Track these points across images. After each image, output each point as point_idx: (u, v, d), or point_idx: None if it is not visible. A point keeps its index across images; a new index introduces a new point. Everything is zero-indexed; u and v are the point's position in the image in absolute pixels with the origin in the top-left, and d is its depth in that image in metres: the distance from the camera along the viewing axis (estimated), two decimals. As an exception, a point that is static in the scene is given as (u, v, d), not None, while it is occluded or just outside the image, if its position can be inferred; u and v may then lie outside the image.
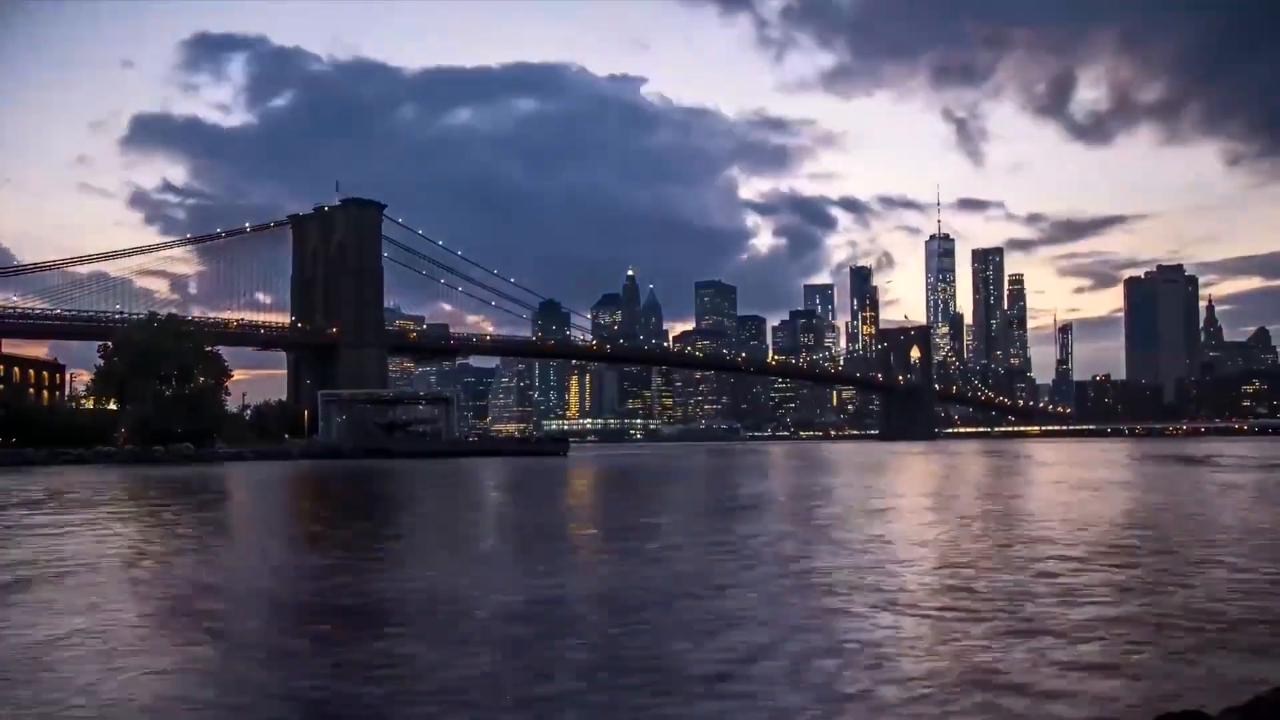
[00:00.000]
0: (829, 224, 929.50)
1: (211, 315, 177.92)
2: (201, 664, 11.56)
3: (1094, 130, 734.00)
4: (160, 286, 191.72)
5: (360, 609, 15.08)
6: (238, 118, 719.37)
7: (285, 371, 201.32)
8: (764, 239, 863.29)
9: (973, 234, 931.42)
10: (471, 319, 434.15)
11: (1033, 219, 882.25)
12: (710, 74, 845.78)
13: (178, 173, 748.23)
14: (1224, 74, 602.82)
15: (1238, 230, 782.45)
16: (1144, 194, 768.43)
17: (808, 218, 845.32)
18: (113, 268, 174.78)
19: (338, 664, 11.44)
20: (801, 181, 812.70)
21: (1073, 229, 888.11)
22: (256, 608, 15.80)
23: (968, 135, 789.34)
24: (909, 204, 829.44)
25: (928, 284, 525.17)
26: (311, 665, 11.47)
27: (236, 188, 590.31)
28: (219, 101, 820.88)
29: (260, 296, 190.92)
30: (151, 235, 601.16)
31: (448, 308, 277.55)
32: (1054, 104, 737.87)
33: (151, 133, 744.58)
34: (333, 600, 15.82)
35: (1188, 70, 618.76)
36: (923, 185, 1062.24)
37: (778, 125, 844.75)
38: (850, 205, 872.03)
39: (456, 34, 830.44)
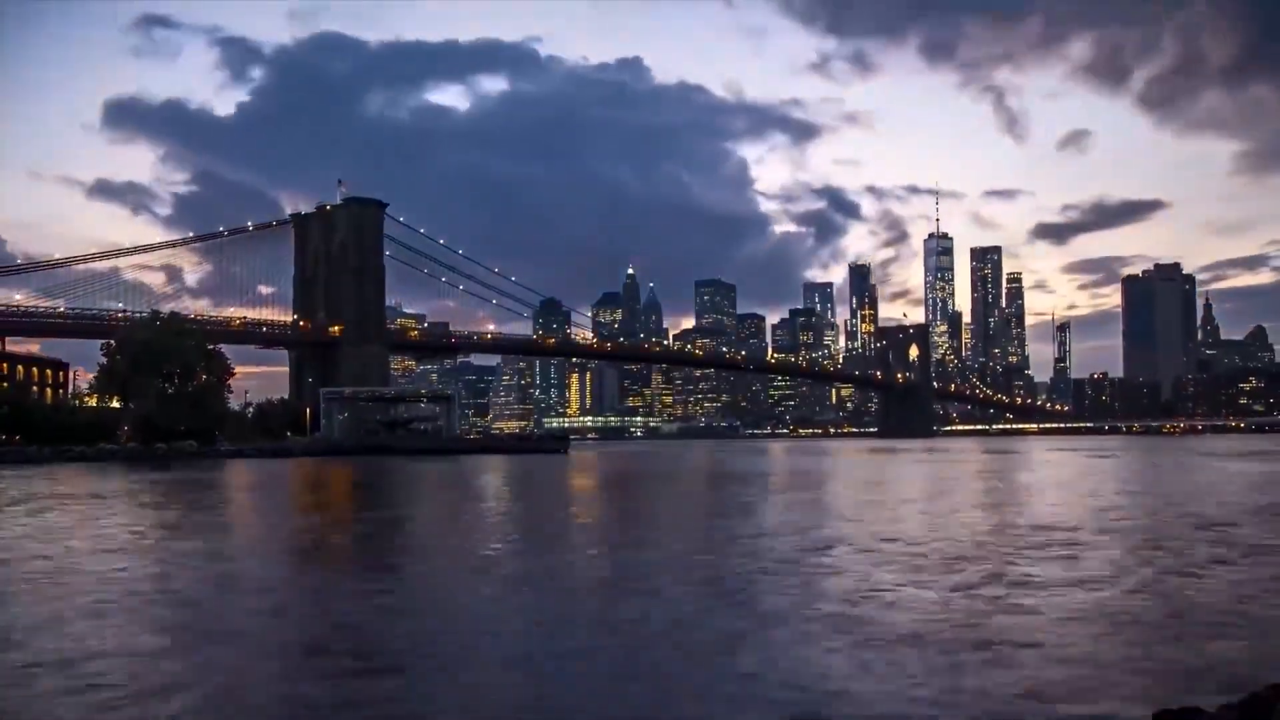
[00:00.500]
0: (848, 211, 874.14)
1: (214, 314, 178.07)
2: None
3: (1153, 104, 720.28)
4: (163, 285, 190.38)
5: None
6: (209, 100, 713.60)
7: (288, 368, 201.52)
8: (781, 226, 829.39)
9: (1001, 220, 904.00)
10: (473, 316, 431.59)
11: (1045, 209, 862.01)
12: (692, 55, 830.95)
13: (153, 159, 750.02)
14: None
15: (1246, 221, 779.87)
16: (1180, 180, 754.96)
17: (830, 205, 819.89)
18: (115, 265, 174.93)
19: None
20: (816, 169, 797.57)
21: (1104, 214, 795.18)
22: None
23: (1006, 115, 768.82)
24: (928, 191, 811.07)
25: (926, 282, 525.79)
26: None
27: (213, 172, 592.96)
28: (190, 85, 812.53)
29: (263, 294, 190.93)
30: (139, 224, 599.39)
31: (450, 304, 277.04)
32: (1108, 75, 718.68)
33: (127, 119, 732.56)
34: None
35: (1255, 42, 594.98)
36: (929, 171, 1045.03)
37: (786, 107, 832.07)
38: (868, 192, 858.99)
39: (424, 9, 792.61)
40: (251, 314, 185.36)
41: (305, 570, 20.46)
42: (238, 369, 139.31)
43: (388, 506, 40.43)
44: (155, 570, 19.40)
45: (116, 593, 16.50)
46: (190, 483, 54.91)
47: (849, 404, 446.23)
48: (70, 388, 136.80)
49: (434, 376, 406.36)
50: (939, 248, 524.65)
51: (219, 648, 12.37)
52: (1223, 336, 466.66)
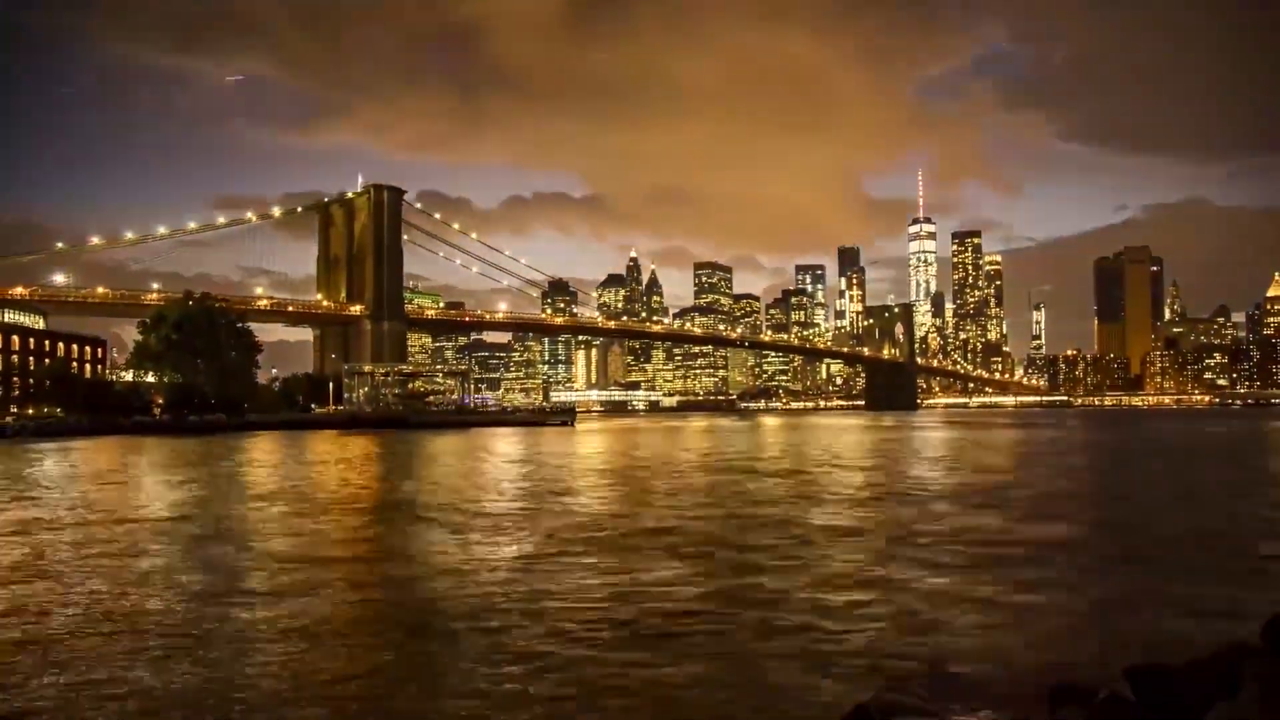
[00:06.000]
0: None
1: (243, 293, 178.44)
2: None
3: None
4: (193, 267, 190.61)
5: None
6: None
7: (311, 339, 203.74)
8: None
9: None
10: (486, 297, 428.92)
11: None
12: None
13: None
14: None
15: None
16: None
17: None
18: (148, 249, 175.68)
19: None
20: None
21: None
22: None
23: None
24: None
25: (910, 264, 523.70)
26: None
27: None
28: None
29: (288, 275, 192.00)
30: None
31: (464, 286, 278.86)
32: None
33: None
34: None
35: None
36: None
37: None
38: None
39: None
40: (279, 293, 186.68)
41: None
42: (268, 335, 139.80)
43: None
44: None
45: None
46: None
47: (838, 379, 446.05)
48: (108, 363, 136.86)
49: (449, 353, 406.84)
50: (922, 231, 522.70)
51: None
52: (1190, 314, 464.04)
